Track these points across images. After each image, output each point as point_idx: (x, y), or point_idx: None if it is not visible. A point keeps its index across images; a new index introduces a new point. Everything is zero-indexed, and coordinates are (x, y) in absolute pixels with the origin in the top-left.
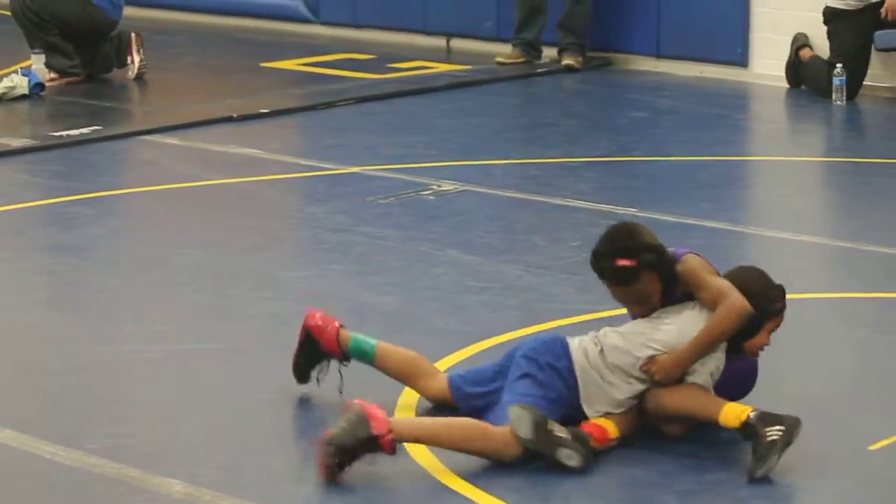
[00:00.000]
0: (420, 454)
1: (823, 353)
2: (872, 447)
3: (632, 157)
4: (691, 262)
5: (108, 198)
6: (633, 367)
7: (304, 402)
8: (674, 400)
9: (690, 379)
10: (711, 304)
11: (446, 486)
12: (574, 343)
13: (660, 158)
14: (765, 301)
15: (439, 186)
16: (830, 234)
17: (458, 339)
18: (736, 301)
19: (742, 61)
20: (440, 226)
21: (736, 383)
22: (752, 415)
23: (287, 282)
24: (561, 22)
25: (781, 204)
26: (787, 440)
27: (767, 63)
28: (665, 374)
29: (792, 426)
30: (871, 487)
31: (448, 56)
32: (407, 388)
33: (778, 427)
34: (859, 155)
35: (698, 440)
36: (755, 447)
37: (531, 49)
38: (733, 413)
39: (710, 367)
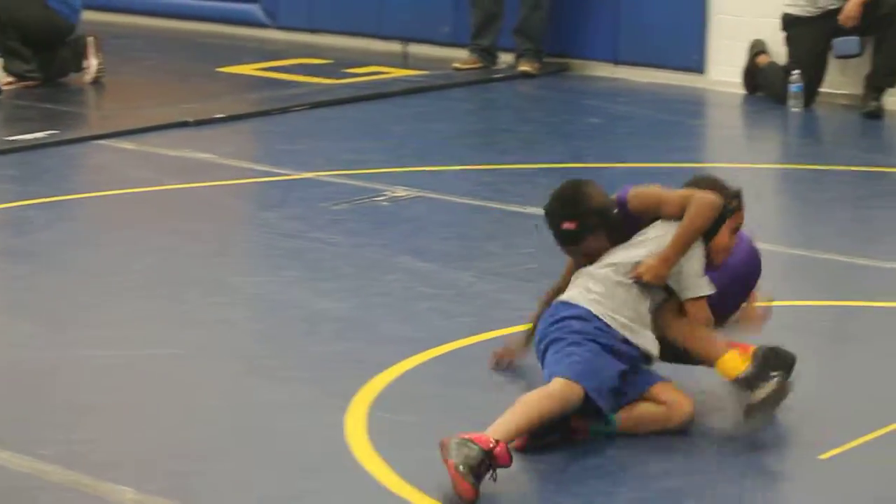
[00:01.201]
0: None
1: None
2: (823, 456)
3: (588, 163)
4: (640, 191)
5: (64, 202)
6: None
7: (257, 409)
8: (678, 333)
9: (689, 294)
10: (679, 212)
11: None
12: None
13: (616, 165)
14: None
15: (393, 192)
16: (786, 242)
17: (410, 346)
18: (703, 196)
19: (699, 68)
20: (393, 232)
21: (741, 270)
22: (743, 374)
23: (240, 287)
24: (517, 27)
25: None
26: (777, 398)
27: (724, 69)
28: (653, 273)
29: (780, 388)
30: (820, 496)
31: (404, 61)
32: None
33: (772, 380)
34: (815, 161)
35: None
36: (746, 405)
37: (487, 55)
38: (731, 364)
39: (696, 266)
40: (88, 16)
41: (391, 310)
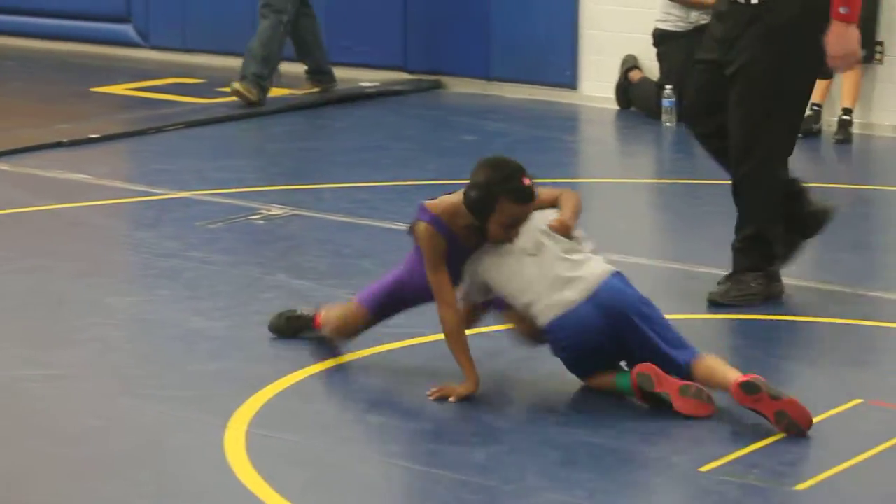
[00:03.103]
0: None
1: None
2: (702, 469)
3: (462, 179)
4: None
5: None
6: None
7: (135, 429)
8: None
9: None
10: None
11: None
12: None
13: None
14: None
15: (269, 211)
16: (660, 256)
17: (287, 365)
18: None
19: (571, 83)
20: (269, 250)
21: None
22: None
23: (116, 307)
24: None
25: (612, 226)
26: None
27: (597, 85)
28: (564, 226)
29: None
30: None
31: (278, 80)
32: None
33: None
34: (689, 176)
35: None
36: None
37: (320, 76)
38: None
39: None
40: None
41: (268, 328)
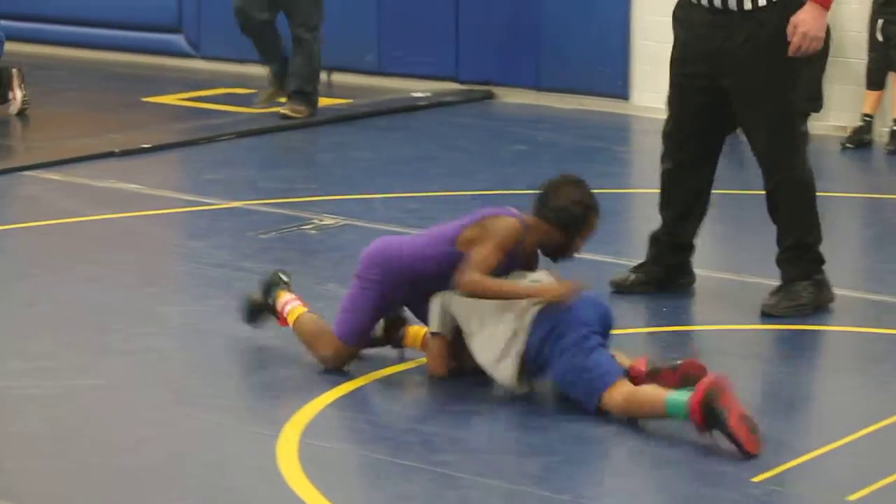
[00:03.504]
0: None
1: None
2: (755, 479)
3: (513, 190)
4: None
5: None
6: None
7: (188, 438)
8: None
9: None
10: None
11: None
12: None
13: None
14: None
15: (321, 221)
16: (712, 266)
17: (340, 374)
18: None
19: (623, 93)
20: (321, 260)
21: None
22: None
23: (168, 317)
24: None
25: None
26: None
27: (648, 95)
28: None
29: None
30: None
31: (329, 90)
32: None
33: None
34: (738, 186)
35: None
36: None
37: (282, 79)
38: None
39: None
40: (11, 47)
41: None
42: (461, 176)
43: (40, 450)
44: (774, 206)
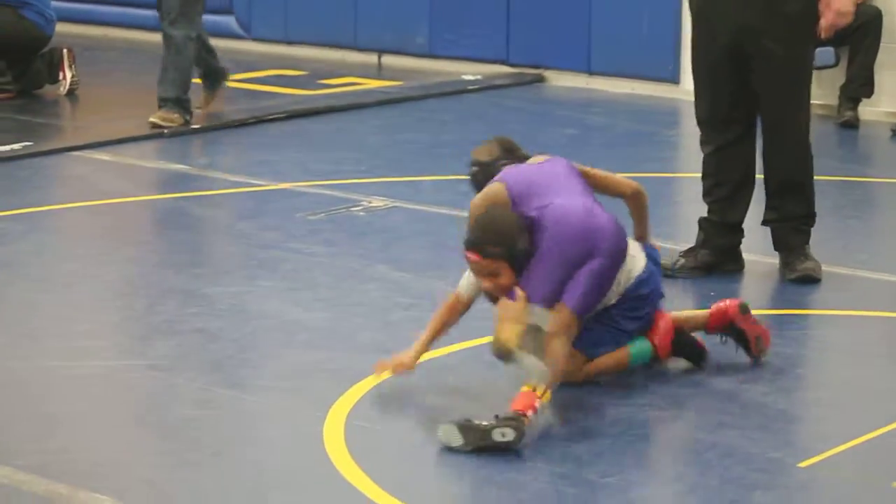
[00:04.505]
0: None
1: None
2: (802, 464)
3: None
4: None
5: (38, 213)
6: None
7: (235, 419)
8: None
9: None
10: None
11: None
12: None
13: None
14: None
15: (369, 202)
16: (763, 252)
17: (387, 356)
18: None
19: (673, 78)
20: (370, 242)
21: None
22: None
23: (216, 297)
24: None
25: None
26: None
27: None
28: None
29: None
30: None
31: (379, 72)
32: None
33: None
34: None
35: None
36: None
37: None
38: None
39: None
40: (62, 27)
41: (368, 319)
42: None
43: (83, 430)
44: (794, 182)
